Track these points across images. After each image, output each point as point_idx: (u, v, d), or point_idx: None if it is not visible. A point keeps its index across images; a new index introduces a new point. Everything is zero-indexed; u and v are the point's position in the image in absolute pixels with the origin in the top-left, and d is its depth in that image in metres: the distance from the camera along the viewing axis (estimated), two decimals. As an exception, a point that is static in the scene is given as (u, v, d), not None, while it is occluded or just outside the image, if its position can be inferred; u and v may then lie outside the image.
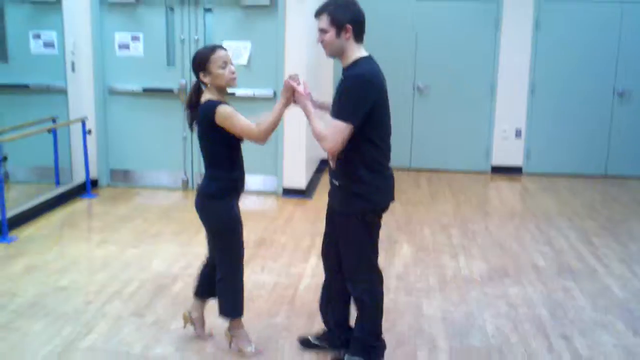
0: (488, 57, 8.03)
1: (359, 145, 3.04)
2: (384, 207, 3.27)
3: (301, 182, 6.82)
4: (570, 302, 4.23)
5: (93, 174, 6.91)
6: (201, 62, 3.21)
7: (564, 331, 3.81)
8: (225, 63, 3.22)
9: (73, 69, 6.72)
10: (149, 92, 6.94)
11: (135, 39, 6.90)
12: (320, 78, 8.04)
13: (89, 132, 6.69)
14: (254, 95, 6.78)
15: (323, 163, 8.37)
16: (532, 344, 3.64)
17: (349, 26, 3.06)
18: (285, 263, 4.86)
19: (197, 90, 3.30)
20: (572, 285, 4.52)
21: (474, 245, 5.35)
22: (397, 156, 8.23)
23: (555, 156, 8.19)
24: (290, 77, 3.17)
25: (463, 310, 4.08)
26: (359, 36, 3.12)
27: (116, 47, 6.92)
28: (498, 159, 8.22)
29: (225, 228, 3.37)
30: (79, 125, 6.61)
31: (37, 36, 6.73)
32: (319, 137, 3.03)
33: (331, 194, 3.29)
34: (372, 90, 3.01)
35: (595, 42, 7.92)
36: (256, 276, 4.58)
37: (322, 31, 3.11)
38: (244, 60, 6.75)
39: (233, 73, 3.25)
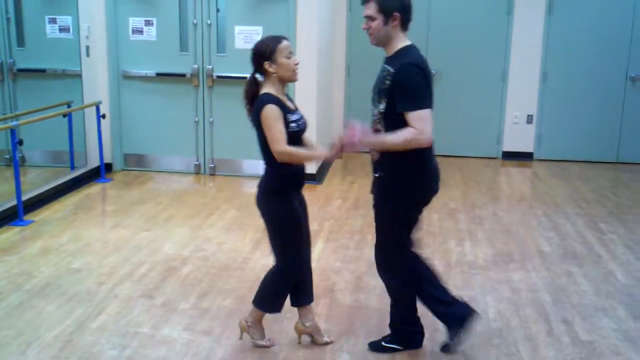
0: (500, 43, 8.02)
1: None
2: (427, 201, 3.28)
3: (311, 167, 6.89)
4: (573, 287, 4.28)
5: (107, 158, 7.03)
6: (268, 50, 3.09)
7: (565, 315, 3.87)
8: (291, 53, 3.14)
9: (88, 54, 6.82)
10: (162, 76, 7.03)
11: (148, 23, 6.98)
12: (333, 64, 8.09)
13: (103, 116, 6.79)
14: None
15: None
16: (532, 328, 3.70)
17: (397, 14, 3.04)
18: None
19: (255, 82, 3.19)
20: (575, 271, 4.57)
21: (480, 231, 5.41)
22: (408, 141, 8.31)
23: (567, 142, 8.19)
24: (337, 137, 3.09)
25: (466, 295, 4.13)
26: (405, 25, 3.10)
27: (130, 31, 7.00)
28: (509, 145, 8.23)
29: (280, 224, 3.28)
30: (93, 109, 6.72)
31: (53, 21, 6.83)
32: (408, 143, 2.96)
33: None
34: (425, 77, 3.01)
35: (608, 27, 7.88)
36: (264, 260, 4.66)
37: (369, 18, 3.05)
38: (255, 46, 6.79)
39: (297, 64, 3.18)
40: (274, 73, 3.12)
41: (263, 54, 3.10)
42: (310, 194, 6.41)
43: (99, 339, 3.48)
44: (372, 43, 3.16)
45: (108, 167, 7.06)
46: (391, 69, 3.03)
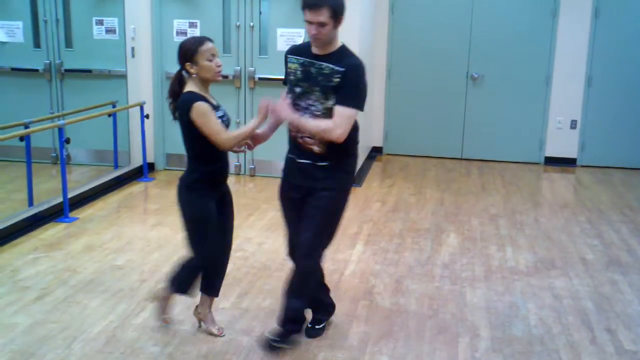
0: (544, 47, 7.91)
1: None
2: None
3: (351, 170, 6.88)
4: (617, 296, 4.21)
5: (150, 158, 7.14)
6: (188, 52, 3.18)
7: (608, 324, 3.80)
8: (213, 56, 3.21)
9: (133, 55, 6.94)
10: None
11: (192, 25, 7.07)
12: (374, 66, 8.08)
13: (147, 116, 6.90)
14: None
15: (374, 150, 8.42)
16: (575, 336, 3.65)
17: (342, 17, 3.17)
18: (332, 249, 4.93)
19: (180, 80, 3.27)
20: (620, 279, 4.48)
21: (521, 236, 5.34)
22: (449, 145, 8.28)
23: (611, 148, 8.03)
24: (263, 99, 3.26)
25: (507, 301, 4.11)
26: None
27: (174, 33, 7.10)
28: (552, 150, 8.11)
29: (190, 218, 3.35)
30: (137, 109, 6.84)
31: (100, 22, 6.98)
32: (323, 131, 3.12)
33: (304, 175, 3.33)
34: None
35: (657, 32, 7.72)
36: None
37: (320, 24, 3.09)
38: (297, 48, 6.84)
39: (219, 66, 3.25)
40: (195, 74, 3.20)
41: (185, 54, 3.20)
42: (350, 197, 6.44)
43: (141, 335, 3.54)
44: (316, 46, 3.22)
45: (151, 167, 7.17)
46: (338, 67, 3.13)
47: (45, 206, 5.47)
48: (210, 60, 3.21)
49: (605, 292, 4.26)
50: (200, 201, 3.33)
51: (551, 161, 8.11)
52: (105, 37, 6.99)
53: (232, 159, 7.21)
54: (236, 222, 5.45)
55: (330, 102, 3.17)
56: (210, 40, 3.27)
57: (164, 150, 7.31)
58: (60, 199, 5.53)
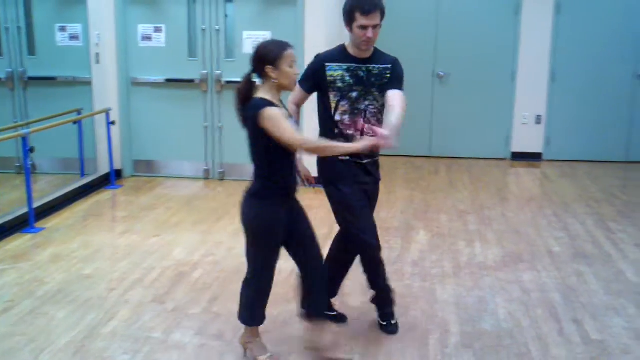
0: (508, 43, 8.01)
1: None
2: None
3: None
4: (583, 287, 4.28)
5: (117, 165, 7.07)
6: (271, 55, 3.00)
7: (575, 315, 3.86)
8: (294, 62, 3.05)
9: (97, 61, 6.87)
10: (171, 82, 7.08)
11: (157, 30, 7.03)
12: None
13: (113, 123, 6.84)
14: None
15: (343, 151, 8.43)
16: (543, 328, 3.70)
17: None
18: (303, 250, 4.95)
19: (250, 83, 3.09)
20: (586, 270, 4.56)
21: (490, 232, 5.40)
22: (417, 144, 8.32)
23: (576, 142, 8.17)
24: (383, 137, 3.01)
25: (476, 296, 4.15)
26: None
27: (139, 38, 7.05)
28: (518, 146, 8.22)
29: (258, 230, 3.18)
30: (104, 116, 6.77)
31: (63, 29, 6.90)
32: (402, 117, 3.29)
33: (367, 172, 3.59)
34: None
35: (617, 26, 7.88)
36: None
37: (375, 27, 3.28)
38: (263, 50, 6.83)
39: (297, 75, 3.10)
40: (275, 79, 3.03)
41: (266, 57, 3.02)
42: (320, 197, 6.43)
43: (111, 344, 3.50)
44: (366, 50, 3.37)
45: (118, 174, 7.10)
46: (386, 65, 3.43)
47: (10, 217, 5.39)
48: (291, 67, 3.04)
49: (571, 284, 4.33)
50: (269, 209, 3.14)
51: (518, 156, 8.22)
52: (69, 44, 6.93)
53: (201, 163, 7.18)
54: (205, 227, 5.49)
55: (383, 98, 3.41)
56: (291, 46, 3.09)
57: (131, 156, 7.25)
58: (25, 209, 5.44)
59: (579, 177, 7.34)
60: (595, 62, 7.98)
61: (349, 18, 3.29)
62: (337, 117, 3.42)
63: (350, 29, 3.32)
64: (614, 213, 5.94)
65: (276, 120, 2.94)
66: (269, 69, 3.01)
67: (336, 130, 3.43)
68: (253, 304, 3.31)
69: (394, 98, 3.34)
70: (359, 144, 3.09)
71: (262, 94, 3.05)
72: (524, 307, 3.98)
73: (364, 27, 3.24)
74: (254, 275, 3.26)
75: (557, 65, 8.00)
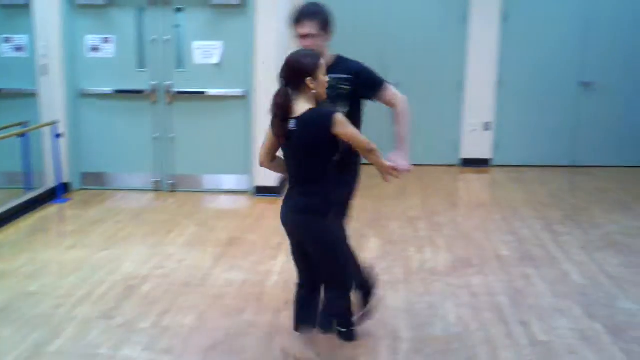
0: (456, 51, 8.14)
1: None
2: None
3: (273, 181, 6.90)
4: (530, 289, 4.36)
5: (65, 178, 6.93)
6: (311, 66, 3.01)
7: (522, 317, 3.94)
8: (325, 71, 3.11)
9: (44, 73, 6.73)
10: (120, 93, 6.98)
11: (106, 41, 6.93)
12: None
13: (60, 135, 6.70)
14: (225, 94, 6.85)
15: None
16: (492, 331, 3.76)
17: (330, 29, 3.39)
18: (255, 261, 4.94)
19: (290, 98, 3.02)
20: (533, 273, 4.66)
21: (440, 237, 5.47)
22: (369, 151, 8.35)
23: (524, 148, 8.35)
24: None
25: (426, 301, 4.19)
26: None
27: (87, 49, 6.94)
28: (467, 152, 8.35)
29: (334, 242, 3.16)
30: (51, 129, 6.63)
31: (8, 40, 6.75)
32: (407, 114, 3.61)
33: None
34: None
35: (561, 34, 8.08)
36: (225, 274, 4.65)
37: (315, 36, 3.31)
38: (215, 60, 6.82)
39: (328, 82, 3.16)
40: (314, 90, 3.01)
41: (307, 69, 2.99)
42: (272, 207, 6.45)
43: (57, 362, 3.43)
44: None
45: (66, 187, 6.95)
46: (344, 75, 3.38)
47: (-47, 234, 5.24)
48: (324, 75, 3.07)
49: (519, 287, 4.41)
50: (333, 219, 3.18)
51: (467, 162, 8.35)
52: (14, 55, 6.77)
53: (151, 175, 7.09)
54: (155, 239, 5.43)
55: (352, 109, 3.42)
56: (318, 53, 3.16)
57: (79, 169, 7.12)
58: (-32, 226, 5.30)
59: (527, 182, 7.50)
60: (541, 69, 8.17)
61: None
62: None
63: None
64: (560, 216, 6.08)
65: (347, 122, 2.99)
66: (309, 81, 2.99)
67: None
68: (349, 309, 3.40)
69: (387, 96, 3.52)
70: (386, 162, 3.17)
71: (305, 105, 3.02)
72: (473, 311, 4.03)
73: (300, 36, 3.30)
74: (341, 285, 3.23)
75: (504, 73, 8.17)
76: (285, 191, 3.20)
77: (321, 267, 3.17)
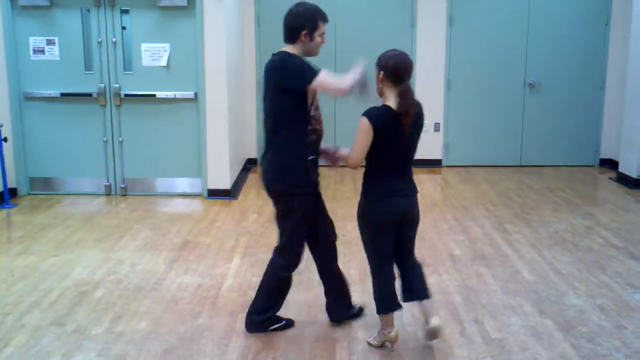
0: (406, 54, 8.21)
1: None
2: None
3: (226, 183, 6.86)
4: (483, 288, 4.45)
5: (11, 183, 6.75)
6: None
7: (476, 315, 4.01)
8: None
9: (-15, 75, 6.55)
10: (67, 96, 6.84)
11: (50, 42, 6.78)
12: (243, 79, 8.09)
13: (5, 139, 6.52)
14: (175, 96, 6.78)
15: (249, 162, 8.41)
16: (446, 329, 3.80)
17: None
18: (209, 264, 4.90)
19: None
20: (485, 271, 4.74)
21: (394, 238, 5.51)
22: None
23: (473, 148, 8.51)
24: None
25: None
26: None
27: (31, 51, 6.78)
28: (419, 153, 8.33)
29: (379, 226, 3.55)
30: (-6, 133, 6.45)
31: (-54, 42, 6.54)
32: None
33: None
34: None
35: (505, 37, 8.28)
36: (180, 279, 4.60)
37: None
38: (163, 62, 6.74)
39: None
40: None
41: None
42: (225, 210, 6.42)
43: (6, 371, 3.34)
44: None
45: (13, 192, 6.78)
46: None
47: None
48: None
49: (472, 285, 4.49)
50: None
51: (419, 163, 8.39)
52: (-47, 58, 6.56)
53: (102, 179, 6.97)
54: (107, 244, 5.33)
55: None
56: None
57: (26, 174, 6.94)
58: None
59: (477, 182, 7.64)
60: (487, 71, 8.34)
61: (313, 26, 3.48)
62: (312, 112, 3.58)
63: (311, 38, 3.50)
64: (510, 215, 6.21)
65: None
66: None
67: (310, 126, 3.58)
68: (382, 291, 3.58)
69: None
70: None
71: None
72: (427, 310, 4.08)
73: (323, 34, 3.57)
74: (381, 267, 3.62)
75: (452, 75, 8.31)
76: (387, 182, 3.48)
77: (413, 242, 3.65)
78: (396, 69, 3.39)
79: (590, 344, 3.64)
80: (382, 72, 3.44)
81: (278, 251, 3.72)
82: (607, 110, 8.44)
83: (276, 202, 3.64)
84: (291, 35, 3.51)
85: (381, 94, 3.51)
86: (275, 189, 3.58)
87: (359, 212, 3.62)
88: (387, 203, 3.47)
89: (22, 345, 3.60)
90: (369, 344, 3.64)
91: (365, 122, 3.36)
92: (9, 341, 3.65)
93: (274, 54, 3.54)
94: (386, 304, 3.57)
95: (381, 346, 3.61)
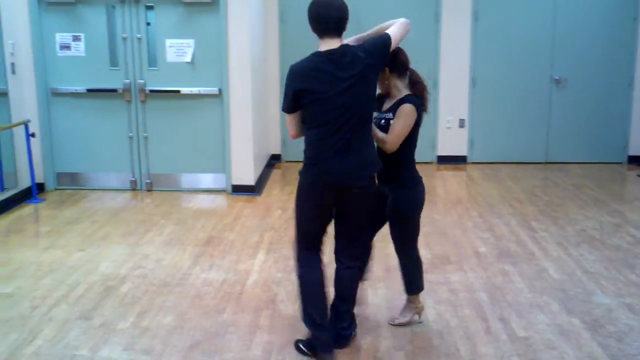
0: (429, 51, 8.19)
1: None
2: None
3: (250, 179, 6.87)
4: (509, 286, 4.40)
5: (39, 178, 6.83)
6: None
7: (501, 313, 3.97)
8: None
9: (13, 71, 6.61)
10: (93, 92, 6.90)
11: (76, 39, 6.84)
12: (267, 74, 8.10)
13: (33, 135, 6.61)
14: (199, 92, 6.80)
15: (273, 158, 8.43)
16: (471, 327, 3.78)
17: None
18: (233, 260, 4.92)
19: None
20: (510, 269, 4.70)
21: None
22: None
23: (498, 145, 8.43)
24: None
25: (406, 298, 4.19)
26: (317, 32, 3.30)
27: (57, 47, 6.85)
28: (443, 149, 8.41)
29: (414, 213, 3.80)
30: (22, 128, 6.53)
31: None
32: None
33: None
34: (292, 82, 3.32)
35: (531, 31, 8.18)
36: (204, 274, 4.62)
37: None
38: (188, 58, 6.77)
39: None
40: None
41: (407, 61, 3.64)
42: (249, 206, 6.43)
43: (35, 364, 3.38)
44: None
45: (40, 187, 6.86)
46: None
47: None
48: None
49: (497, 283, 4.45)
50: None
51: (443, 160, 8.40)
52: (-19, 54, 6.64)
53: (127, 174, 7.03)
54: (133, 239, 5.37)
55: None
56: None
57: (53, 169, 7.02)
58: (-60, 228, 5.20)
59: (502, 179, 7.57)
60: (513, 66, 8.25)
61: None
62: None
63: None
64: (535, 212, 6.14)
65: None
66: None
67: None
68: (415, 275, 3.82)
69: None
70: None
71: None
72: (452, 308, 4.06)
73: None
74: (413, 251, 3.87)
75: (477, 71, 8.24)
76: (416, 172, 3.75)
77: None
78: (405, 60, 3.53)
79: (619, 343, 3.59)
80: (387, 69, 3.45)
81: (358, 256, 3.66)
82: (635, 106, 8.31)
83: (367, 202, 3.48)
84: (343, 26, 3.27)
85: (388, 92, 3.50)
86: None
87: (399, 205, 3.68)
88: (423, 191, 3.75)
89: (51, 339, 3.64)
90: (400, 324, 3.80)
91: (412, 109, 3.43)
92: (37, 334, 3.70)
93: (334, 51, 3.23)
94: (416, 285, 3.83)
95: (407, 324, 3.80)
